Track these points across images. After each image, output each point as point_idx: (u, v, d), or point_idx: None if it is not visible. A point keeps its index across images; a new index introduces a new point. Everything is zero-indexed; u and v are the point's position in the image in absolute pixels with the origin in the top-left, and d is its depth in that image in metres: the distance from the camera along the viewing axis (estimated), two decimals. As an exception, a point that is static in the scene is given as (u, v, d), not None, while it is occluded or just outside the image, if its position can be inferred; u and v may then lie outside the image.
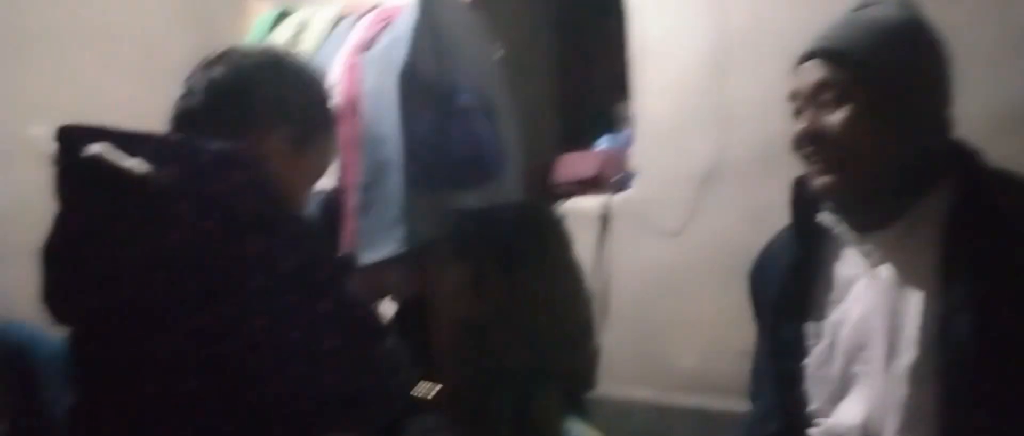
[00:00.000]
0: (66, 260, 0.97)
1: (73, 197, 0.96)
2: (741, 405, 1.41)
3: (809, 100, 1.16)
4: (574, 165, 2.59)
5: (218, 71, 1.12)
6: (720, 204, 2.15)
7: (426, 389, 1.25)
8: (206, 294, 0.92)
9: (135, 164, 0.92)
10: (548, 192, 2.56)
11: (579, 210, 2.48)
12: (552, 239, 2.52)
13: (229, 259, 0.94)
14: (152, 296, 0.93)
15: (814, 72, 1.16)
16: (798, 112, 1.18)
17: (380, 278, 2.02)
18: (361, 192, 2.11)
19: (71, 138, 0.95)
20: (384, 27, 2.23)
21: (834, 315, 1.16)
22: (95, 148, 0.92)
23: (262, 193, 0.99)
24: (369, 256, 2.03)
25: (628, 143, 2.53)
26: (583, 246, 2.47)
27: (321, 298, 1.00)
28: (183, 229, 0.92)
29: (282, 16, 2.50)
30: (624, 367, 2.28)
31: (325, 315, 1.00)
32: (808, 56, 1.18)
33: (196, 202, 0.93)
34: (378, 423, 1.23)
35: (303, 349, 0.97)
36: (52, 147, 0.96)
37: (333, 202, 2.12)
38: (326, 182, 2.16)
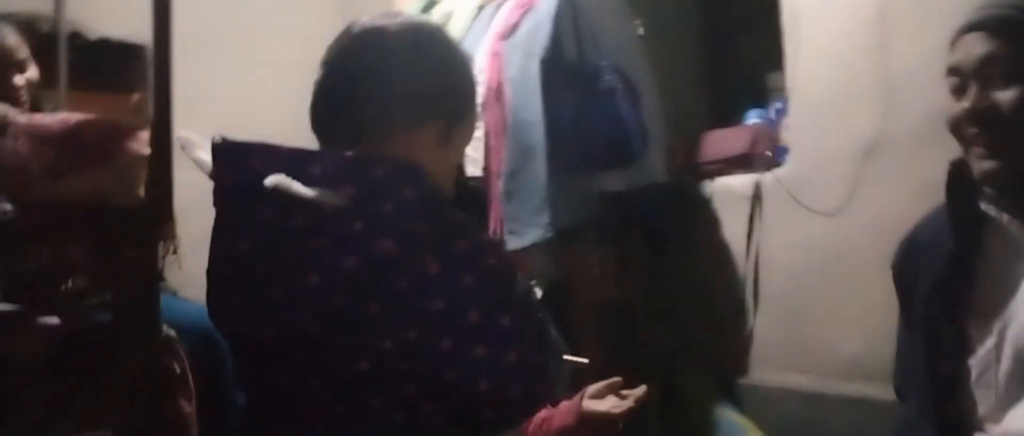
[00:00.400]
0: (235, 282, 0.96)
1: (241, 217, 0.94)
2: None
3: (972, 76, 1.06)
4: (722, 142, 2.50)
5: (365, 56, 1.03)
6: (882, 181, 2.01)
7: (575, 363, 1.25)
8: (386, 317, 0.89)
9: (313, 192, 0.88)
10: (694, 171, 2.50)
11: (728, 189, 2.40)
12: (698, 220, 2.48)
13: (409, 279, 0.90)
14: (327, 322, 0.90)
15: (978, 45, 1.05)
16: (959, 89, 1.08)
17: (526, 263, 2.06)
18: (506, 179, 2.16)
19: (228, 153, 0.94)
20: (525, 13, 2.25)
21: (1001, 313, 1.06)
22: (274, 178, 0.88)
23: (436, 208, 0.94)
24: (515, 242, 2.08)
25: (780, 117, 2.41)
26: (733, 227, 2.40)
27: (501, 312, 0.94)
28: (360, 253, 0.89)
29: (429, 6, 2.59)
30: (777, 353, 2.20)
31: (506, 329, 0.94)
32: (970, 27, 1.07)
33: (372, 223, 0.90)
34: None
35: (487, 365, 0.93)
36: (207, 158, 0.94)
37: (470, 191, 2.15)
38: (472, 171, 2.24)
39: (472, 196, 2.18)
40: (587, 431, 1.29)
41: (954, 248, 1.11)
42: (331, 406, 0.94)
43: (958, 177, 1.13)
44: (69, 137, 1.12)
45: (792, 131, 2.31)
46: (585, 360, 1.26)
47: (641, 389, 1.32)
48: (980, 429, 1.09)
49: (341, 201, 0.89)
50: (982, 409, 1.08)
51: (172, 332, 1.22)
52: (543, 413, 1.38)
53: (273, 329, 0.94)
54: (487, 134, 2.35)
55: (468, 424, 0.96)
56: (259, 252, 0.93)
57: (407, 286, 0.89)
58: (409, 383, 0.91)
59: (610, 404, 1.29)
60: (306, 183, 0.89)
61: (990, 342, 1.07)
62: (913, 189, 1.75)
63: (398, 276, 0.89)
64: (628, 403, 1.29)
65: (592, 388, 1.31)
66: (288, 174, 0.89)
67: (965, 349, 1.09)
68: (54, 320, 1.11)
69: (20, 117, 1.31)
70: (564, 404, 1.35)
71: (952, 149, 1.14)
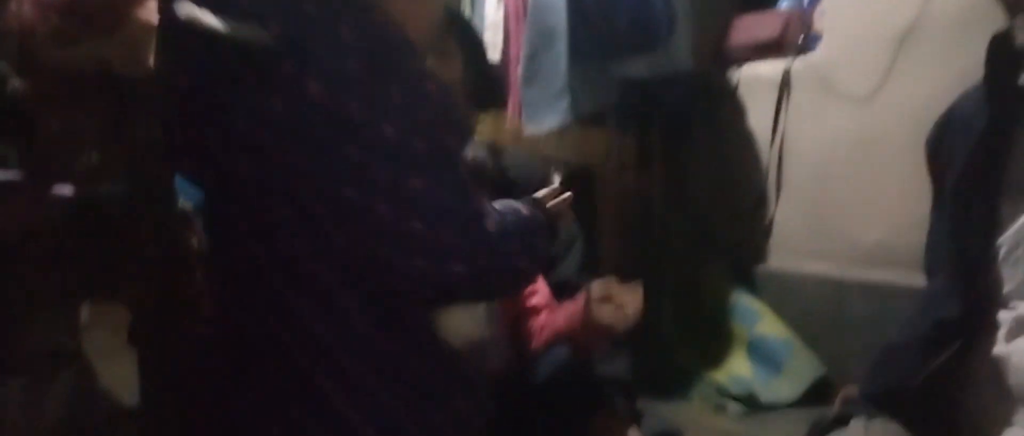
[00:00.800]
0: (177, 123, 0.92)
1: (178, 54, 0.89)
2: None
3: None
4: (752, 27, 2.40)
5: None
6: (918, 66, 1.93)
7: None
8: (314, 165, 0.84)
9: (228, 26, 0.82)
10: (722, 57, 2.42)
11: (755, 76, 2.32)
12: (722, 108, 2.42)
13: (335, 127, 0.84)
14: (256, 166, 0.86)
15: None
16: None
17: (544, 149, 2.03)
18: (525, 63, 2.10)
19: None
20: None
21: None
22: (186, 9, 0.83)
23: (380, 50, 0.86)
24: (534, 127, 2.05)
25: (814, 2, 2.31)
26: (758, 115, 2.34)
27: (443, 169, 0.88)
28: (286, 95, 0.83)
29: None
30: (799, 240, 2.18)
31: (441, 185, 0.88)
32: None
33: (301, 63, 0.83)
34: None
35: (421, 219, 0.87)
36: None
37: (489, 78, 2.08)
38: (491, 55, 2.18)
39: (491, 83, 2.13)
40: (590, 334, 1.29)
41: (989, 123, 1.07)
42: (266, 256, 0.89)
43: (1000, 49, 1.07)
44: (74, 4, 1.08)
45: (826, 16, 2.21)
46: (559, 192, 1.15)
47: (638, 291, 1.27)
48: (1005, 306, 1.07)
49: (266, 39, 0.82)
50: (1008, 286, 1.06)
51: (189, 205, 1.22)
52: (544, 317, 1.36)
53: (212, 171, 0.92)
54: (506, 18, 2.29)
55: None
56: (195, 90, 0.89)
57: (334, 134, 0.84)
58: (340, 237, 0.87)
59: (612, 309, 1.26)
60: (234, 17, 0.83)
61: (1022, 220, 1.04)
62: (951, 75, 1.67)
63: (325, 123, 0.84)
64: (631, 312, 1.26)
65: (595, 289, 1.28)
66: (220, 9, 0.84)
67: (995, 226, 1.06)
68: (67, 191, 1.10)
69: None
70: (568, 305, 1.34)
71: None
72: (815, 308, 2.05)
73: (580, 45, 2.03)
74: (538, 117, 2.06)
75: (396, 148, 0.86)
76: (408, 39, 0.92)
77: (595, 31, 2.04)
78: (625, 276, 1.34)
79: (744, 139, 2.31)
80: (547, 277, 1.41)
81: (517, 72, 2.13)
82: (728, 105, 2.35)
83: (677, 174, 2.39)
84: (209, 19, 0.83)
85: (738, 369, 1.97)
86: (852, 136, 2.06)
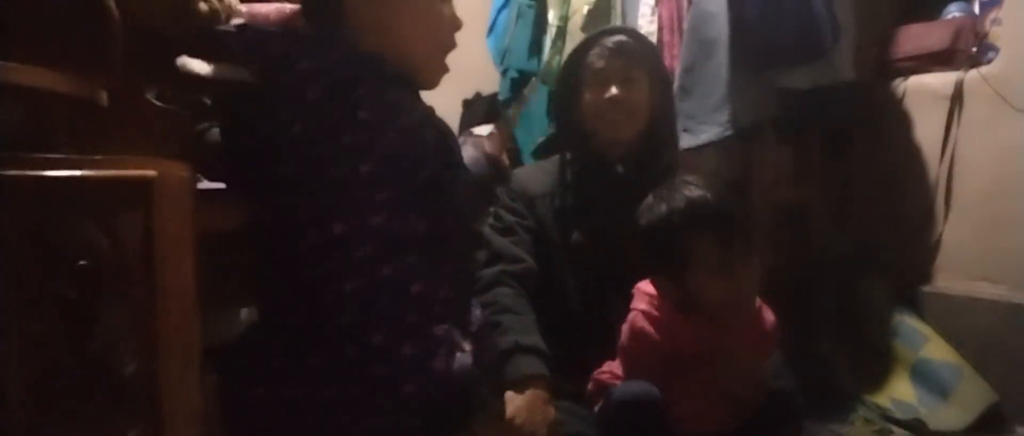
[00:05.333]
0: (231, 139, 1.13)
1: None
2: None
3: None
4: (919, 37, 2.31)
5: None
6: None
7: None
8: (290, 183, 1.00)
9: (209, 68, 1.03)
10: (887, 68, 2.33)
11: (923, 88, 2.23)
12: (887, 120, 2.34)
13: (304, 148, 0.98)
14: (247, 180, 1.06)
15: None
16: None
17: (702, 161, 2.03)
18: (682, 75, 2.10)
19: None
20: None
21: None
22: (180, 59, 1.04)
23: (337, 80, 0.99)
24: (689, 140, 2.04)
25: (987, 10, 2.19)
26: (926, 128, 2.25)
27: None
28: (264, 122, 1.01)
29: None
30: (968, 260, 2.08)
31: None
32: None
33: (270, 95, 1.01)
34: None
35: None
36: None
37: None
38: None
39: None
40: None
41: None
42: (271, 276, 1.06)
43: None
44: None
45: (1004, 25, 2.10)
46: None
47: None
48: None
49: (243, 76, 1.01)
50: None
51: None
52: None
53: (237, 179, 1.10)
54: (660, 29, 2.29)
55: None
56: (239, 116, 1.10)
57: (300, 155, 0.97)
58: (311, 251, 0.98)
59: None
60: (226, 59, 1.03)
61: None
62: None
63: (295, 146, 0.97)
64: None
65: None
66: (234, 50, 1.04)
67: None
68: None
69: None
70: None
71: None
72: (986, 332, 1.96)
73: (742, 56, 2.01)
74: (695, 129, 2.05)
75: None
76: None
77: (757, 42, 2.01)
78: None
79: (910, 153, 2.23)
80: None
81: (675, 84, 2.13)
82: (893, 117, 2.27)
83: (838, 188, 2.33)
84: (184, 62, 1.05)
85: (902, 393, 1.90)
86: (1030, 152, 1.96)
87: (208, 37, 1.05)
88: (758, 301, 1.31)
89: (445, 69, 1.17)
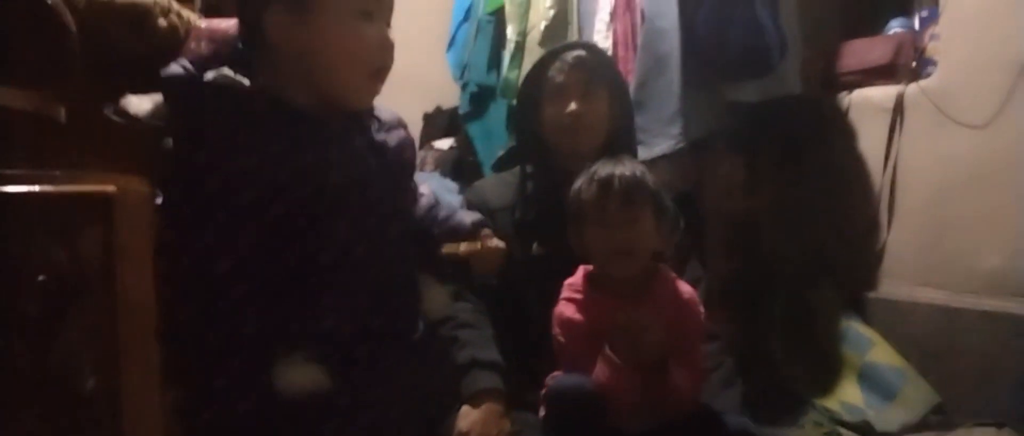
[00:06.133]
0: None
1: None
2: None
3: None
4: (863, 52, 2.40)
5: None
6: (1039, 93, 1.91)
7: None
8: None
9: (143, 109, 1.11)
10: (833, 82, 2.42)
11: (867, 101, 2.32)
12: (833, 133, 2.42)
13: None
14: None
15: None
16: None
17: (656, 173, 2.07)
18: (637, 89, 2.15)
19: None
20: (661, -82, 2.19)
21: None
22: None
23: (235, 117, 1.08)
24: (644, 153, 2.08)
25: (926, 26, 2.29)
26: (870, 140, 2.33)
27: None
28: (189, 159, 1.08)
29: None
30: (911, 267, 2.17)
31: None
32: None
33: (191, 134, 1.08)
34: None
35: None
36: None
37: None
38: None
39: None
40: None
41: None
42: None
43: None
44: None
45: (941, 41, 2.20)
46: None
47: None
48: None
49: (158, 121, 1.10)
50: None
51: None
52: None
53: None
54: (615, 45, 2.34)
55: None
56: None
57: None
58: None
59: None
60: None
61: None
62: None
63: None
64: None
65: None
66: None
67: None
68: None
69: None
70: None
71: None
72: (928, 336, 2.04)
73: (693, 71, 2.07)
74: (649, 142, 2.10)
75: None
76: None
77: (708, 57, 2.08)
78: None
79: (855, 164, 2.31)
80: None
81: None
82: (839, 129, 2.35)
83: (788, 199, 2.40)
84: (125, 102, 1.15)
85: (850, 397, 1.97)
86: (968, 162, 2.05)
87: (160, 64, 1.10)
88: (673, 276, 1.41)
89: (374, 90, 1.20)
